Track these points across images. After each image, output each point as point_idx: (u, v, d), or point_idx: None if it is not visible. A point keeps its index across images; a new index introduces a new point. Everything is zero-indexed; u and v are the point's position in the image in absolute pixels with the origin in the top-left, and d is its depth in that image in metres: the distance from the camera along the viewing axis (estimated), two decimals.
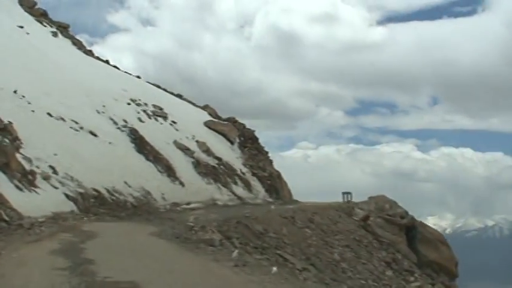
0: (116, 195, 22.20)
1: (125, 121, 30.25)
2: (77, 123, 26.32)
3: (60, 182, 19.60)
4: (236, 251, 13.50)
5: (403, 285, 27.55)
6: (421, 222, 38.66)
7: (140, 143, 28.71)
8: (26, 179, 17.19)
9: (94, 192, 20.84)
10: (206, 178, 30.26)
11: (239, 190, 32.04)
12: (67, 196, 18.89)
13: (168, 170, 28.11)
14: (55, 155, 21.59)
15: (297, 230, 25.43)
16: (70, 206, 18.48)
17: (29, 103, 25.04)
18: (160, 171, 27.52)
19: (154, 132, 31.46)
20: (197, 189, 28.57)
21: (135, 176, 25.23)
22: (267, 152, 40.63)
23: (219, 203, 28.79)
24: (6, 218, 12.98)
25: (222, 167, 32.86)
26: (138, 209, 22.19)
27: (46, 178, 18.97)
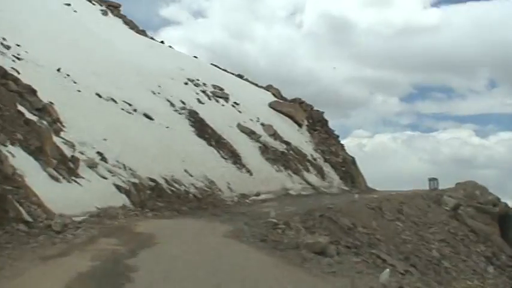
0: (176, 185, 18.79)
1: (183, 102, 26.91)
2: (130, 104, 23.10)
3: (109, 171, 16.30)
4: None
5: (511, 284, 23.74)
6: None
7: (200, 127, 25.31)
8: (66, 167, 13.90)
9: (150, 183, 17.47)
10: (275, 165, 26.61)
11: (312, 178, 28.27)
12: (118, 187, 15.57)
13: (233, 157, 24.60)
14: (104, 140, 18.38)
15: (387, 223, 21.70)
16: (121, 200, 15.15)
17: (75, 82, 21.98)
18: (224, 158, 24.03)
19: (215, 115, 28.02)
20: (266, 177, 24.95)
21: (197, 163, 21.82)
22: (337, 136, 36.67)
23: (292, 192, 25.14)
24: (28, 219, 9.51)
25: (291, 152, 29.14)
26: (201, 201, 18.76)
27: (92, 166, 15.68)
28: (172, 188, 18.35)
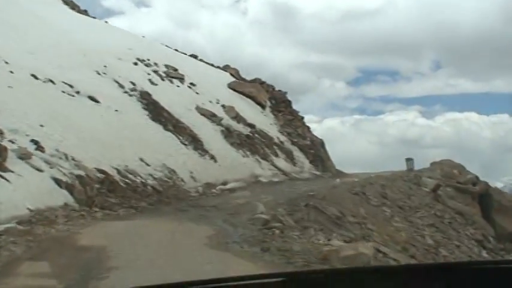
0: (131, 177, 15.75)
1: (133, 84, 23.69)
2: (71, 86, 19.86)
3: (47, 162, 13.11)
4: None
5: None
6: (496, 188, 32.11)
7: (155, 110, 22.22)
8: None
9: (99, 175, 14.36)
10: (241, 150, 23.74)
11: (281, 163, 25.53)
12: (57, 182, 12.42)
13: (194, 142, 21.62)
14: (41, 126, 15.18)
15: (374, 209, 19.36)
16: (62, 197, 12.06)
17: (6, 62, 18.57)
18: (184, 144, 21.02)
19: (170, 97, 24.92)
20: (232, 164, 22.08)
21: (154, 150, 18.81)
22: (302, 117, 33.91)
23: (262, 179, 22.37)
24: None
25: (256, 135, 26.30)
26: (162, 194, 15.80)
27: (24, 157, 12.46)
28: (127, 180, 15.30)
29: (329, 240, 9.76)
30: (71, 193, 12.35)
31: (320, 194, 17.23)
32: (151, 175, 16.94)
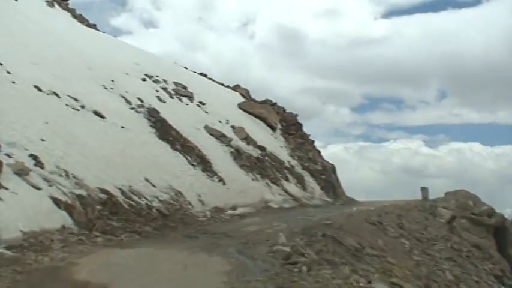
0: (135, 198, 14.63)
1: (141, 100, 22.68)
2: (76, 100, 18.86)
3: (45, 180, 12.05)
4: None
5: None
6: None
7: (162, 128, 21.17)
8: None
9: (101, 195, 13.27)
10: (251, 173, 22.65)
11: (292, 188, 24.40)
12: (56, 202, 11.31)
13: (202, 163, 20.54)
14: (42, 140, 14.14)
15: (393, 240, 18.10)
16: (60, 219, 10.95)
17: (9, 72, 17.63)
18: (192, 164, 19.94)
19: (179, 115, 23.91)
20: (242, 187, 20.97)
21: (160, 170, 17.74)
22: (313, 141, 32.83)
23: (273, 205, 21.21)
24: None
25: (267, 158, 25.19)
26: (168, 218, 14.64)
27: (21, 173, 11.38)
28: (131, 202, 14.17)
29: (369, 282, 8.55)
30: (70, 214, 11.25)
31: (336, 223, 16.11)
32: (156, 197, 15.84)
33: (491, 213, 29.87)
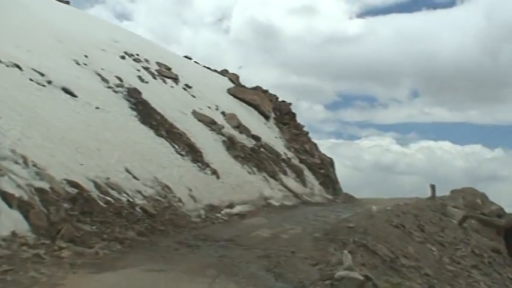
0: (113, 193, 11.50)
1: (119, 79, 19.46)
2: (42, 74, 15.65)
3: None
4: None
5: None
6: None
7: (145, 110, 18.04)
8: None
9: (69, 189, 10.10)
10: (246, 165, 19.61)
11: (291, 183, 21.43)
12: (6, 198, 8.13)
13: (192, 152, 17.46)
14: None
15: (421, 246, 15.55)
16: (10, 222, 7.80)
17: None
18: (180, 154, 16.85)
19: (163, 98, 20.78)
20: (237, 181, 17.94)
21: (143, 159, 14.65)
22: (307, 133, 29.83)
23: (273, 202, 18.26)
24: None
25: (262, 149, 22.15)
26: (156, 219, 11.53)
27: None
28: (108, 198, 11.04)
29: None
30: (26, 216, 8.09)
31: (359, 226, 13.23)
32: (140, 192, 12.73)
33: (501, 213, 27.31)
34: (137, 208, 11.56)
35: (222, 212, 14.88)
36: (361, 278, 6.70)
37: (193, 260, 8.01)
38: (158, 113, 18.63)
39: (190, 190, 14.96)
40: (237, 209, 15.62)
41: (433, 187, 25.90)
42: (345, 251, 8.26)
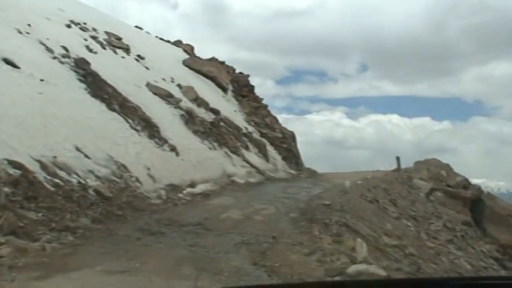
0: (62, 175, 10.15)
1: (65, 49, 17.81)
2: None
3: None
4: None
5: None
6: (488, 193, 28.01)
7: (94, 83, 16.53)
8: None
9: (11, 171, 8.72)
10: (207, 140, 18.36)
11: (254, 158, 20.30)
12: None
13: (148, 127, 16.11)
14: None
15: (398, 223, 14.85)
16: None
17: None
18: (135, 129, 15.47)
19: (114, 69, 19.23)
20: (198, 158, 16.69)
21: (95, 136, 13.26)
22: (266, 106, 28.66)
23: (237, 179, 17.12)
24: None
25: (222, 123, 20.91)
26: (112, 202, 10.25)
27: None
28: (57, 181, 9.68)
29: None
30: None
31: (334, 203, 12.24)
32: (92, 172, 11.39)
33: (466, 184, 26.98)
34: (90, 191, 10.24)
35: (184, 191, 13.67)
36: (384, 273, 5.62)
37: (162, 253, 6.81)
38: (110, 86, 17.16)
39: (149, 169, 13.67)
40: (200, 188, 14.45)
41: (398, 159, 25.27)
42: (358, 239, 7.18)
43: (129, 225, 8.84)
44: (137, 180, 12.59)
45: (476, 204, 26.42)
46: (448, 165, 27.98)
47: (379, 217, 13.24)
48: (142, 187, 12.46)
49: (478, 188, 26.94)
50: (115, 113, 15.59)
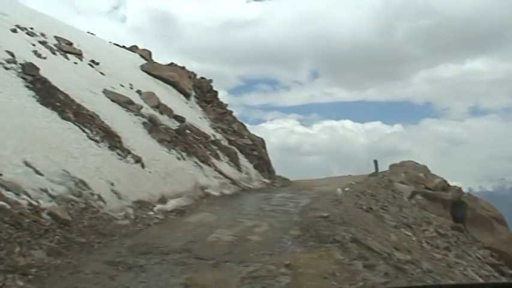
0: (9, 195, 8.20)
1: (11, 54, 15.71)
2: None
3: None
4: None
5: None
6: (469, 194, 26.94)
7: (44, 89, 14.54)
8: None
9: None
10: (174, 150, 16.51)
11: (225, 168, 18.56)
12: None
13: (108, 137, 14.20)
14: None
15: (398, 232, 13.16)
16: None
17: None
18: (93, 140, 13.52)
19: (66, 75, 17.23)
20: (167, 169, 14.86)
21: (47, 148, 11.33)
22: (231, 112, 26.92)
23: (212, 192, 15.35)
24: None
25: (188, 131, 19.08)
26: (72, 227, 8.30)
27: None
28: (2, 203, 7.69)
29: None
30: None
31: (332, 215, 10.60)
32: (46, 191, 9.46)
33: (445, 186, 25.86)
34: (44, 214, 8.32)
35: (155, 209, 11.84)
36: None
37: None
38: (62, 93, 15.14)
39: (112, 184, 11.77)
40: (172, 203, 12.64)
41: (376, 162, 23.88)
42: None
43: (96, 257, 6.97)
44: (99, 198, 10.69)
45: (457, 206, 25.33)
46: (425, 167, 26.84)
47: (381, 228, 11.71)
48: (106, 206, 10.57)
49: (458, 190, 25.86)
50: (69, 122, 13.62)
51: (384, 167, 26.75)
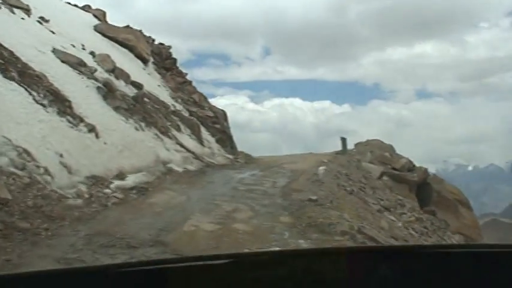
0: None
1: None
2: None
3: None
4: None
5: None
6: (435, 176, 26.17)
7: None
8: None
9: None
10: (131, 119, 14.78)
11: (187, 141, 16.96)
12: None
13: (57, 102, 12.40)
14: None
15: (386, 218, 11.79)
16: None
17: None
18: (41, 104, 11.71)
19: (11, 31, 15.22)
20: (124, 141, 13.18)
21: None
22: (191, 82, 25.16)
23: (175, 167, 13.74)
24: None
25: (146, 99, 17.36)
26: (13, 209, 6.61)
27: None
28: None
29: None
30: None
31: (320, 197, 9.22)
32: None
33: (411, 167, 24.94)
34: None
35: (112, 186, 10.20)
36: None
37: None
38: (5, 49, 13.20)
39: (61, 156, 10.06)
40: (131, 179, 11.02)
41: (344, 140, 22.62)
42: None
43: (44, 251, 5.40)
44: (46, 171, 9.00)
45: (422, 188, 24.52)
46: (391, 147, 25.89)
47: (369, 213, 10.46)
48: (54, 182, 8.90)
49: (424, 171, 25.00)
50: (13, 83, 11.76)
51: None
